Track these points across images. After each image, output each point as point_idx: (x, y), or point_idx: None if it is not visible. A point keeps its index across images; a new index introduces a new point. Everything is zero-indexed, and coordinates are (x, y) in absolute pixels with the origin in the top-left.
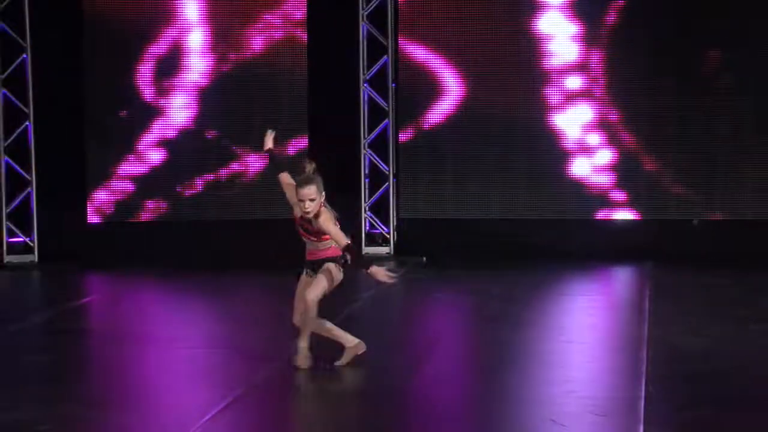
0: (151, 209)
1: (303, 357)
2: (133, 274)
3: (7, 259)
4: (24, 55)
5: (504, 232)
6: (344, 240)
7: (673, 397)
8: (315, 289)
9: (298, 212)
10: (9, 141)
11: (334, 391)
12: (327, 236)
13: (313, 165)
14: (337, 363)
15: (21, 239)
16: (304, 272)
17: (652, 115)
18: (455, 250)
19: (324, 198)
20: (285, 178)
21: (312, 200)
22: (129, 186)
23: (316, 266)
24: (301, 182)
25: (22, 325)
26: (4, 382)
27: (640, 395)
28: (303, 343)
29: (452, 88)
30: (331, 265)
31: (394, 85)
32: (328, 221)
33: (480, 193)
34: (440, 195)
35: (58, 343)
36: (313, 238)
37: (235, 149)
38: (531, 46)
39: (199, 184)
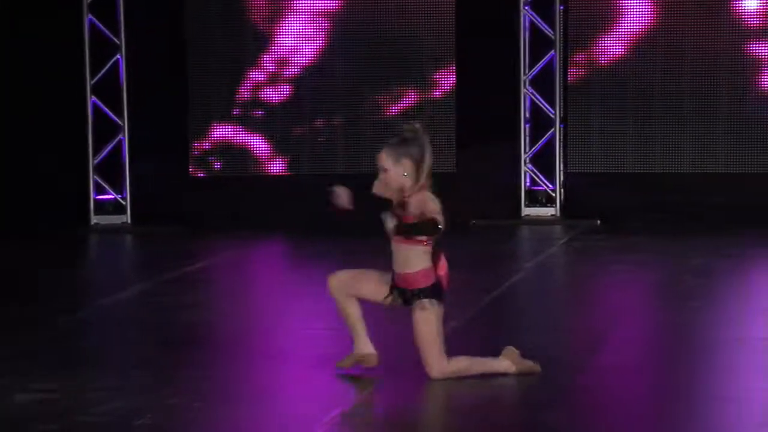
0: (266, 161)
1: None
2: (243, 237)
3: (94, 219)
4: None
5: (696, 189)
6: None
7: None
8: (430, 356)
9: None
10: (97, 78)
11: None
12: (421, 243)
13: (415, 126)
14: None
15: (111, 197)
16: (390, 295)
17: None
18: (636, 211)
19: (422, 180)
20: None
21: (386, 171)
22: (239, 132)
23: (406, 296)
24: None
25: (117, 298)
26: (101, 365)
27: None
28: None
29: (636, 11)
30: (425, 303)
31: (562, 7)
32: (425, 204)
33: (667, 142)
34: (618, 144)
35: (159, 319)
36: (403, 244)
37: (365, 89)
38: None
39: (321, 131)
